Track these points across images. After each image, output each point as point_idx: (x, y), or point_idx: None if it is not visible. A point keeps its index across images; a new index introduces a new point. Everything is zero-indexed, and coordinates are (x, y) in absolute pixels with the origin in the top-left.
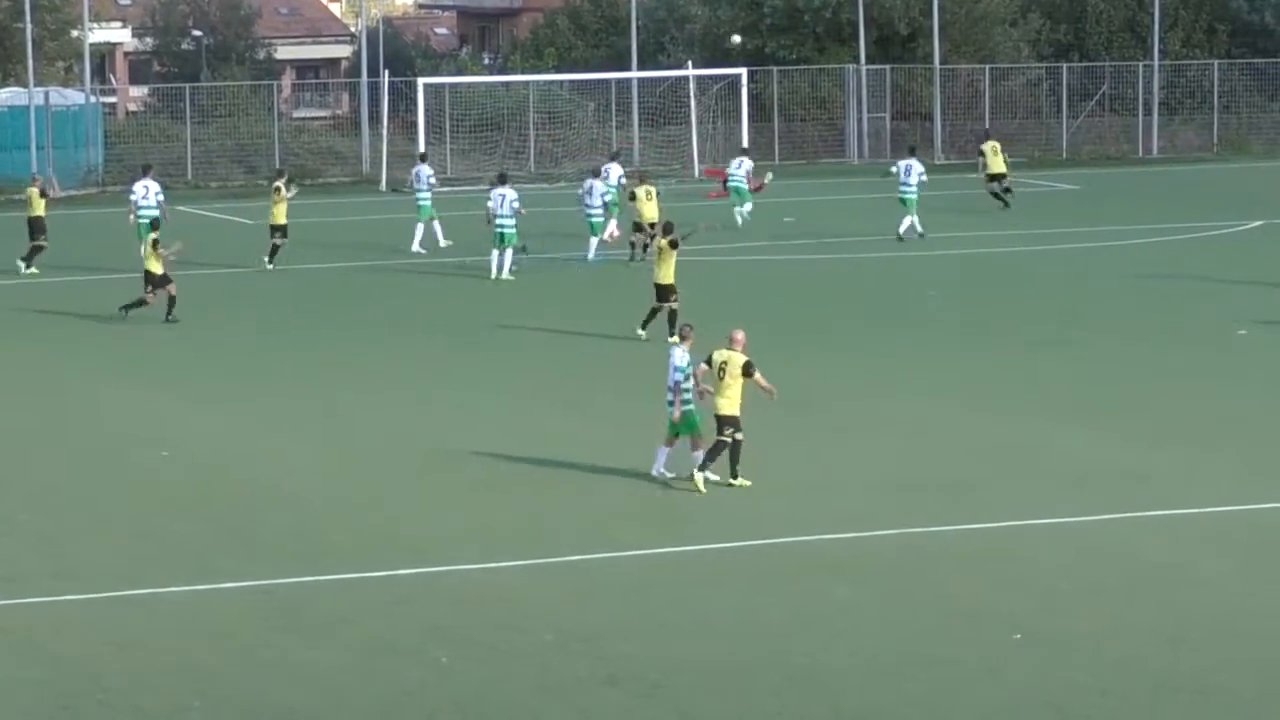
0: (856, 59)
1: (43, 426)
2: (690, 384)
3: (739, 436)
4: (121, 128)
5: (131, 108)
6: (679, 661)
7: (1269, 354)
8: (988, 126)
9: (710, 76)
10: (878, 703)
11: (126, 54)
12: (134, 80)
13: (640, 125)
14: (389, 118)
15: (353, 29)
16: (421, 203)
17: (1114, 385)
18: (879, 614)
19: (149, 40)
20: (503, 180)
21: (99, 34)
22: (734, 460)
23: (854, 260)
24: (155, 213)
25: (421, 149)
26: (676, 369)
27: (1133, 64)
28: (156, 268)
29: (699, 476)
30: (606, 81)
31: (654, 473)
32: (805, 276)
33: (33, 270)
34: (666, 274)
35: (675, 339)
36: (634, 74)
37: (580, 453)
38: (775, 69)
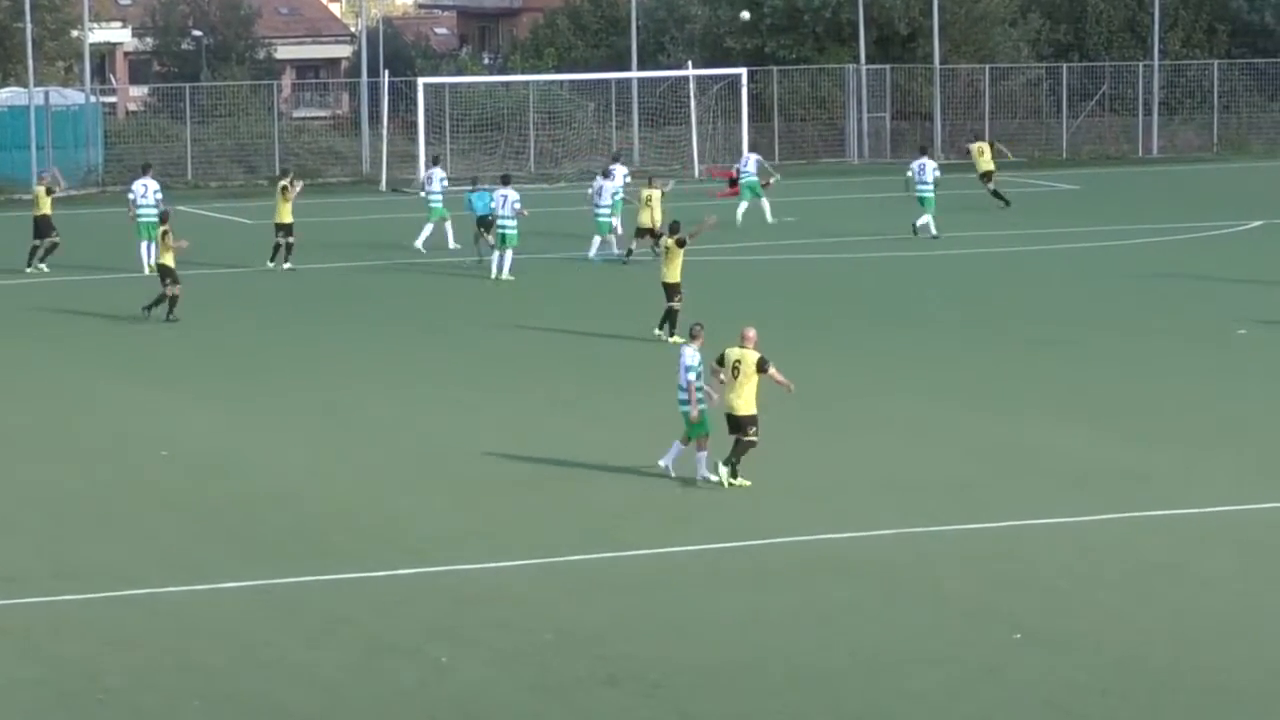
0: (856, 59)
1: (42, 426)
2: (701, 383)
3: (750, 437)
4: (121, 128)
5: (131, 107)
6: (679, 661)
7: (1269, 353)
8: (977, 127)
9: (710, 76)
10: (878, 702)
11: (126, 54)
12: (134, 80)
13: (640, 125)
14: (389, 118)
15: (353, 29)
16: (434, 204)
17: (1114, 385)
18: (879, 614)
19: (149, 40)
20: (505, 181)
21: (99, 34)
22: (737, 459)
23: (854, 260)
24: (154, 212)
25: (428, 150)
26: (689, 368)
27: (1133, 64)
28: (169, 260)
29: (724, 472)
30: (606, 81)
31: (661, 462)
32: (805, 276)
33: (40, 268)
34: (673, 273)
35: (676, 338)
36: (634, 74)
37: (580, 452)
38: (775, 69)
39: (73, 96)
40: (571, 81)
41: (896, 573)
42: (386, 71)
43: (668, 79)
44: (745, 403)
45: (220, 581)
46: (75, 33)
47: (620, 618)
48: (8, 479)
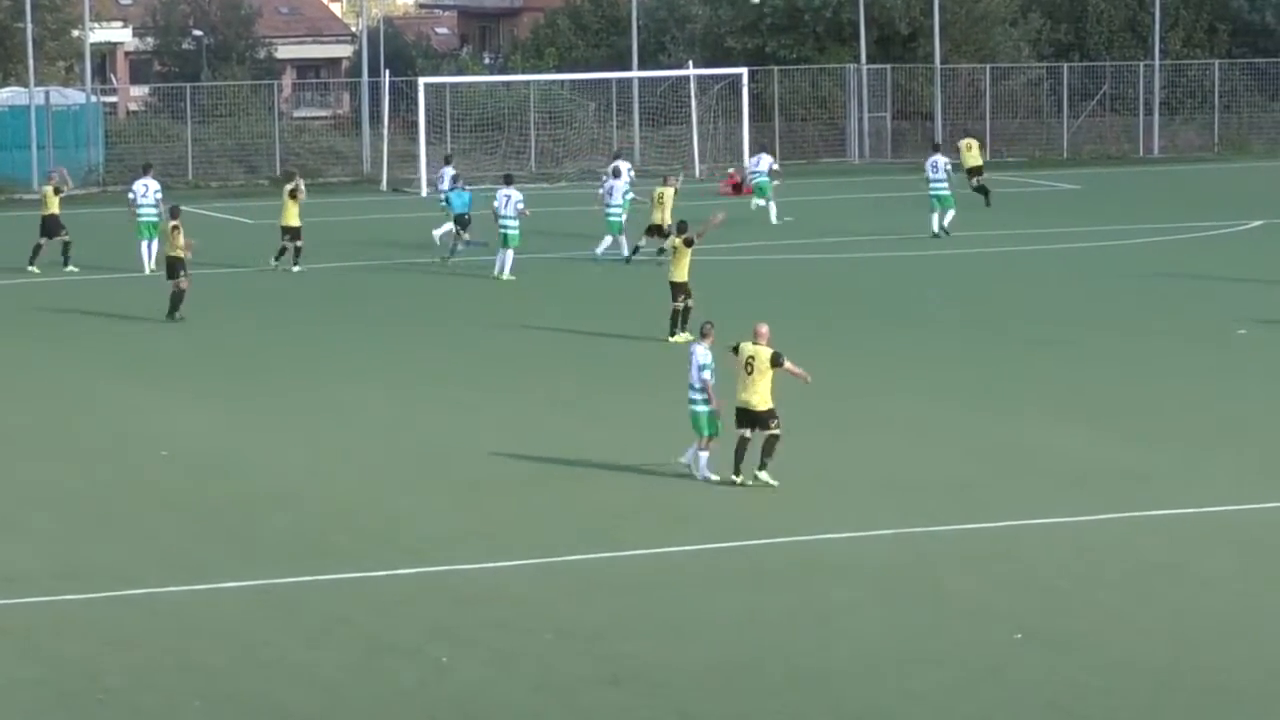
0: (857, 58)
1: (42, 426)
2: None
3: (756, 434)
4: (122, 127)
5: (132, 107)
6: (679, 661)
7: (1269, 353)
8: (977, 127)
9: (711, 76)
10: (879, 702)
11: (127, 54)
12: (135, 80)
13: (641, 125)
14: (390, 117)
15: (353, 29)
16: (444, 204)
17: (1114, 385)
18: (880, 614)
19: (150, 40)
20: (508, 181)
21: (100, 34)
22: (738, 458)
23: (854, 260)
24: (154, 212)
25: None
26: (702, 366)
27: (1133, 64)
28: (180, 253)
29: (764, 475)
30: (607, 81)
31: (681, 460)
32: (805, 276)
33: (73, 269)
34: (681, 272)
35: (681, 336)
36: (635, 74)
37: (581, 452)
38: (776, 69)
39: (73, 96)
40: (572, 81)
41: (897, 573)
42: (387, 71)
43: (668, 79)
44: (761, 398)
45: (220, 581)
46: (76, 32)
47: (620, 617)
48: (8, 479)
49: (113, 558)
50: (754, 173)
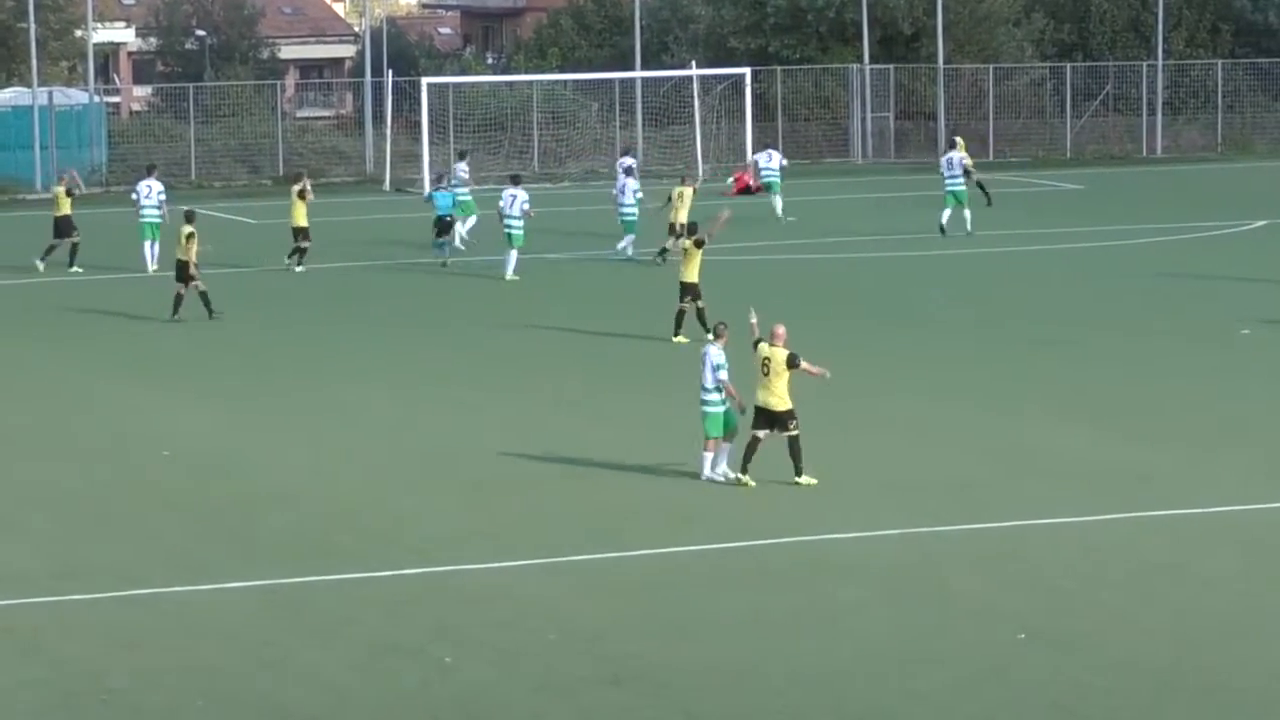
0: (860, 59)
1: (44, 426)
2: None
3: (770, 435)
4: (125, 127)
5: (135, 107)
6: (683, 661)
7: (1273, 353)
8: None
9: (714, 76)
10: (882, 703)
11: (130, 54)
12: (138, 80)
13: (644, 125)
14: (392, 118)
15: (356, 29)
16: (462, 198)
17: (1117, 385)
18: (883, 614)
19: (153, 40)
20: (515, 181)
21: (103, 34)
22: (747, 458)
23: (857, 260)
24: (157, 213)
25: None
26: (718, 366)
27: (1136, 64)
28: (193, 256)
29: (805, 479)
30: (610, 81)
31: (728, 477)
32: (808, 276)
33: (77, 270)
34: (691, 273)
35: (682, 337)
36: (638, 74)
37: (585, 452)
38: (779, 69)
39: (76, 96)
40: (575, 81)
41: (900, 573)
42: (390, 71)
43: (671, 79)
44: (779, 398)
45: (224, 581)
46: (79, 32)
47: (623, 618)
48: (10, 479)
49: (115, 558)
50: (765, 169)
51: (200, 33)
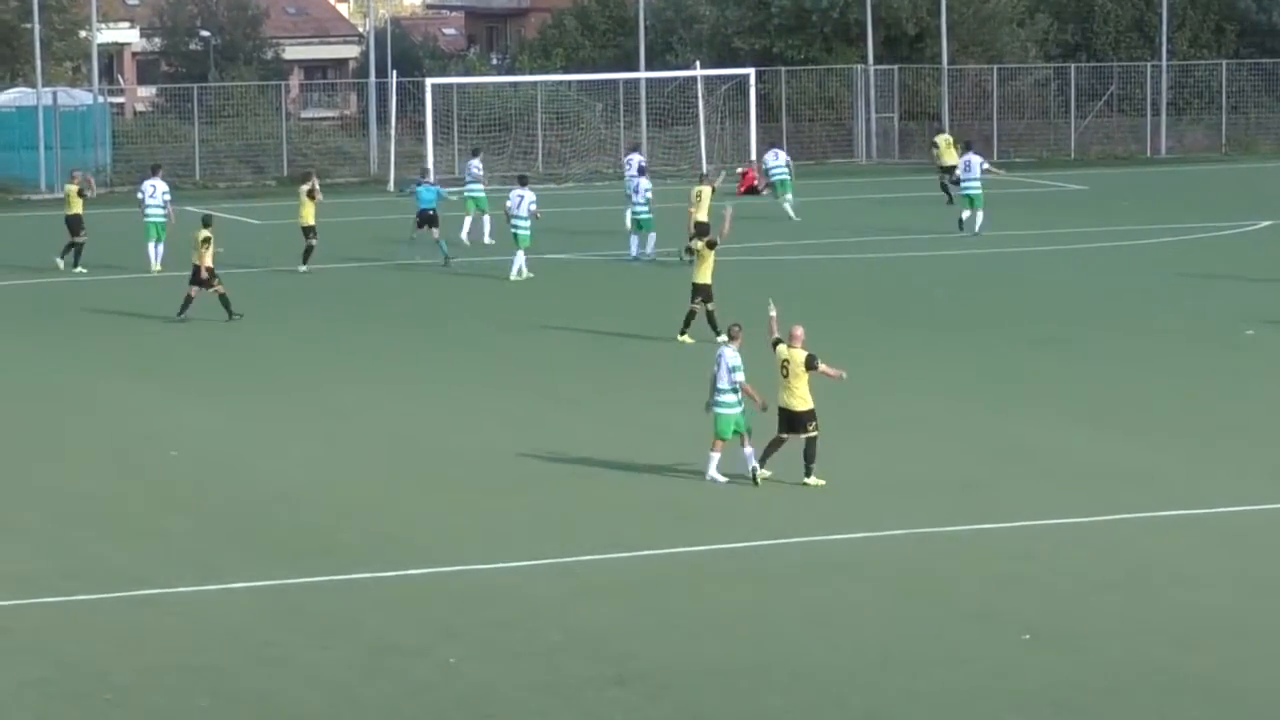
0: (864, 59)
1: (49, 426)
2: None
3: (791, 437)
4: (129, 128)
5: (139, 108)
6: (687, 661)
7: (1276, 354)
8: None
9: (718, 77)
10: (886, 703)
11: (134, 54)
12: (142, 80)
13: (648, 125)
14: (397, 118)
15: (361, 29)
16: (474, 195)
17: (1121, 385)
18: (887, 614)
19: (157, 40)
20: (522, 182)
21: (107, 34)
22: (767, 453)
23: (861, 260)
24: (162, 212)
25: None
26: (734, 368)
27: (1140, 64)
28: (208, 261)
29: (813, 480)
30: (614, 82)
31: (752, 467)
32: (812, 276)
33: (78, 271)
34: (704, 274)
35: (686, 338)
36: (642, 74)
37: (589, 452)
38: (783, 69)
39: (80, 97)
40: (579, 82)
41: (903, 573)
42: (394, 72)
43: (676, 79)
44: (800, 399)
45: (228, 582)
46: (83, 33)
47: (628, 618)
48: (15, 479)
49: (119, 558)
50: (774, 168)
51: (204, 33)
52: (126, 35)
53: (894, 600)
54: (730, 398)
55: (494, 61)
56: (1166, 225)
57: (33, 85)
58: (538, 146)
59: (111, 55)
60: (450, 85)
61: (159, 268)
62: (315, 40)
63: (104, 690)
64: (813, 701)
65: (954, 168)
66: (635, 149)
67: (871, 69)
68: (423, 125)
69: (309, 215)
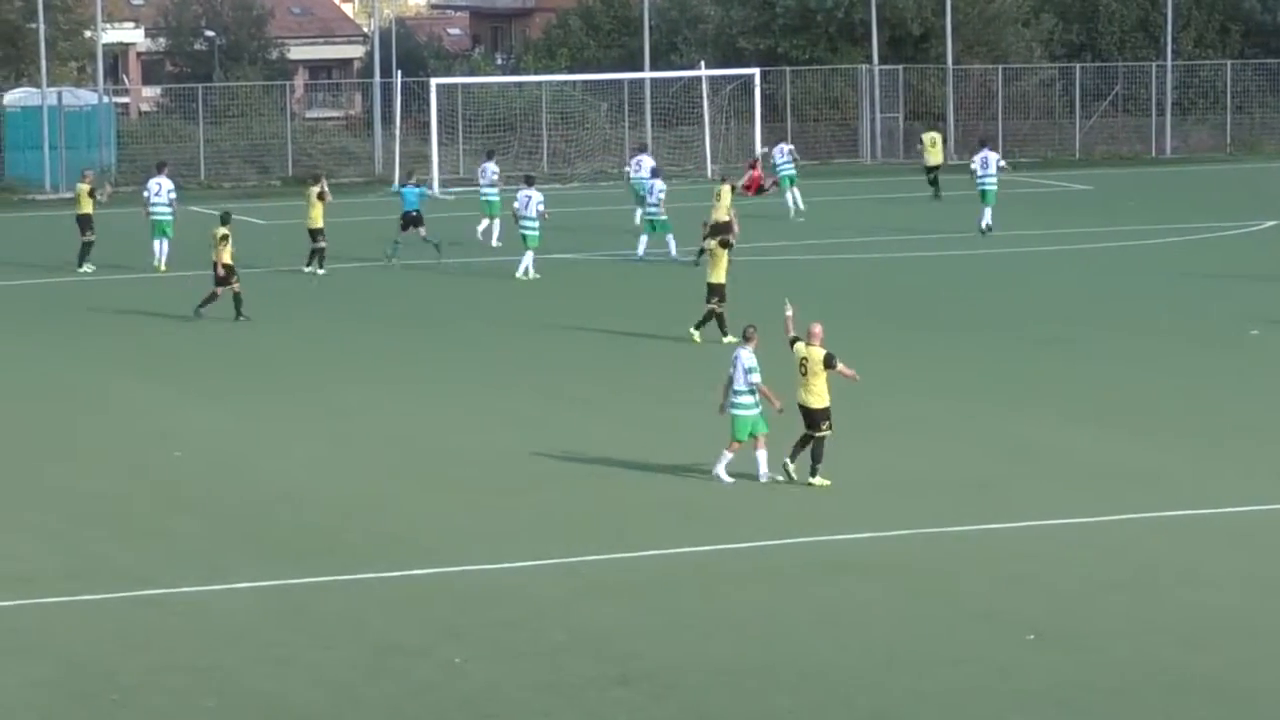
0: (869, 59)
1: (55, 425)
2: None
3: (824, 432)
4: (134, 128)
5: (144, 108)
6: (691, 661)
7: None
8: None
9: (723, 77)
10: (893, 702)
11: (139, 54)
12: (147, 80)
13: (653, 125)
14: (401, 118)
15: (365, 29)
16: (489, 198)
17: (1125, 385)
18: (893, 613)
19: (162, 40)
20: (529, 182)
21: (112, 34)
22: (796, 453)
23: (866, 260)
24: (168, 210)
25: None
26: (749, 369)
27: (1145, 64)
28: (225, 259)
29: (817, 480)
30: (619, 82)
31: (762, 474)
32: (817, 276)
33: (85, 269)
34: (718, 274)
35: (697, 336)
36: (647, 74)
37: (593, 452)
38: (788, 69)
39: (85, 97)
40: (584, 82)
41: (910, 572)
42: (399, 72)
43: (680, 79)
44: (817, 396)
45: (233, 581)
46: (88, 33)
47: (632, 618)
48: (21, 479)
49: (125, 558)
50: (781, 164)
51: (209, 33)
52: (131, 35)
53: (901, 600)
54: (747, 399)
55: (499, 61)
56: (1171, 225)
57: (38, 85)
58: (542, 147)
59: (116, 55)
60: (455, 85)
61: (164, 267)
62: (320, 40)
63: (110, 690)
64: (819, 701)
65: (938, 167)
66: (643, 149)
67: (876, 69)
68: (427, 125)
69: (318, 217)
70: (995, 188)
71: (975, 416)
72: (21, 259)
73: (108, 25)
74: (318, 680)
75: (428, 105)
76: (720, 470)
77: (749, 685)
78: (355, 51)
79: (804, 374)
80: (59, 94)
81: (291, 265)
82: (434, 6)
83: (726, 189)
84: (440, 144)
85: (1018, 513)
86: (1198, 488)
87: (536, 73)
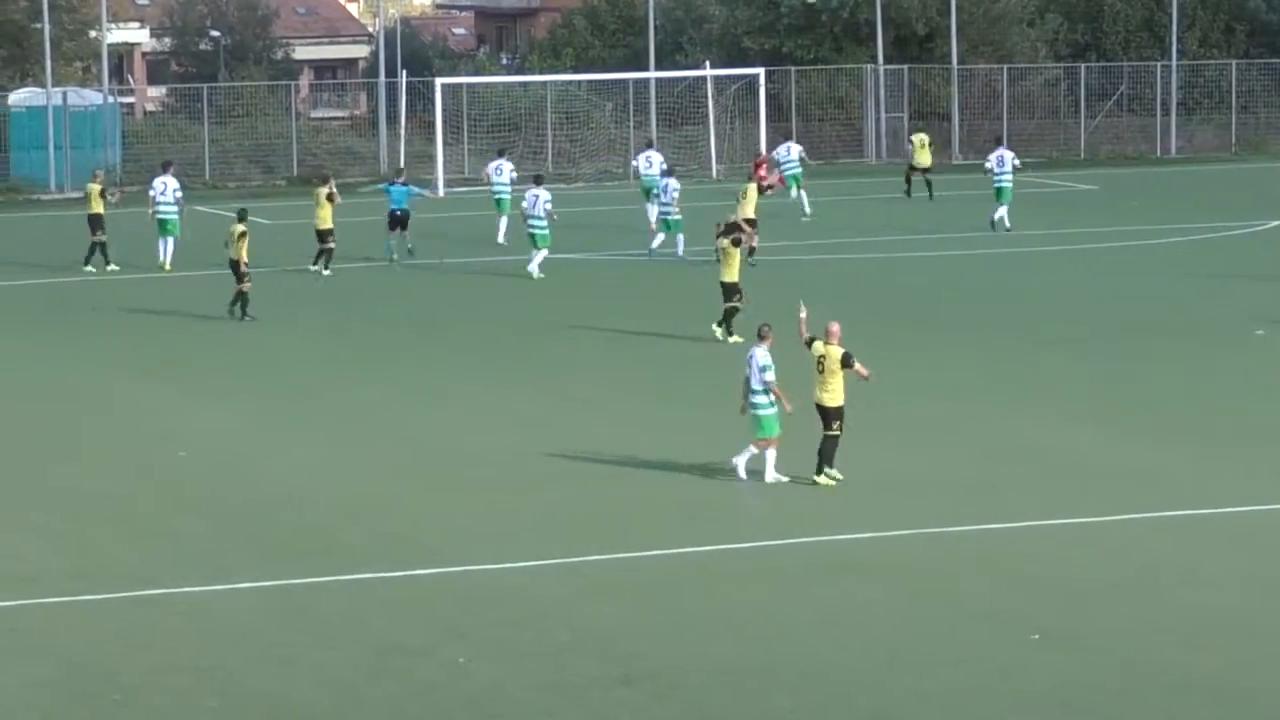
0: (874, 59)
1: (59, 425)
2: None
3: (834, 430)
4: (139, 128)
5: (149, 108)
6: (694, 661)
7: None
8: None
9: (728, 76)
10: (894, 702)
11: (144, 54)
12: (152, 80)
13: (658, 125)
14: (406, 118)
15: (370, 29)
16: (500, 195)
17: (1129, 385)
18: (896, 613)
19: (167, 40)
20: (538, 181)
21: (117, 34)
22: (827, 456)
23: (870, 260)
24: (174, 210)
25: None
26: (764, 368)
27: (1150, 64)
28: (242, 256)
29: (823, 477)
30: (624, 82)
31: (769, 479)
32: (821, 277)
33: (90, 270)
34: (731, 273)
35: (717, 330)
36: (651, 74)
37: (596, 452)
38: (793, 69)
39: (91, 97)
40: (589, 81)
41: (912, 573)
42: (404, 72)
43: (685, 79)
44: (833, 395)
45: (236, 582)
46: (93, 33)
47: (636, 617)
48: (25, 479)
49: (128, 558)
50: (787, 163)
51: (214, 33)
52: (136, 35)
53: (902, 600)
54: (762, 399)
55: (504, 61)
56: (1176, 225)
57: (43, 85)
58: (547, 146)
59: (121, 55)
60: (460, 85)
61: (169, 266)
62: (325, 40)
63: (112, 690)
64: (820, 701)
65: (928, 169)
66: (650, 146)
67: (881, 69)
68: (432, 125)
69: (327, 218)
70: (1011, 185)
71: (977, 416)
72: (26, 259)
73: (113, 25)
74: (321, 680)
75: (433, 105)
76: (739, 462)
77: (751, 685)
78: (360, 51)
79: (821, 372)
80: (64, 94)
81: (296, 265)
82: (439, 6)
83: (753, 188)
84: (445, 144)
85: (1019, 513)
86: (1200, 488)
87: (541, 72)
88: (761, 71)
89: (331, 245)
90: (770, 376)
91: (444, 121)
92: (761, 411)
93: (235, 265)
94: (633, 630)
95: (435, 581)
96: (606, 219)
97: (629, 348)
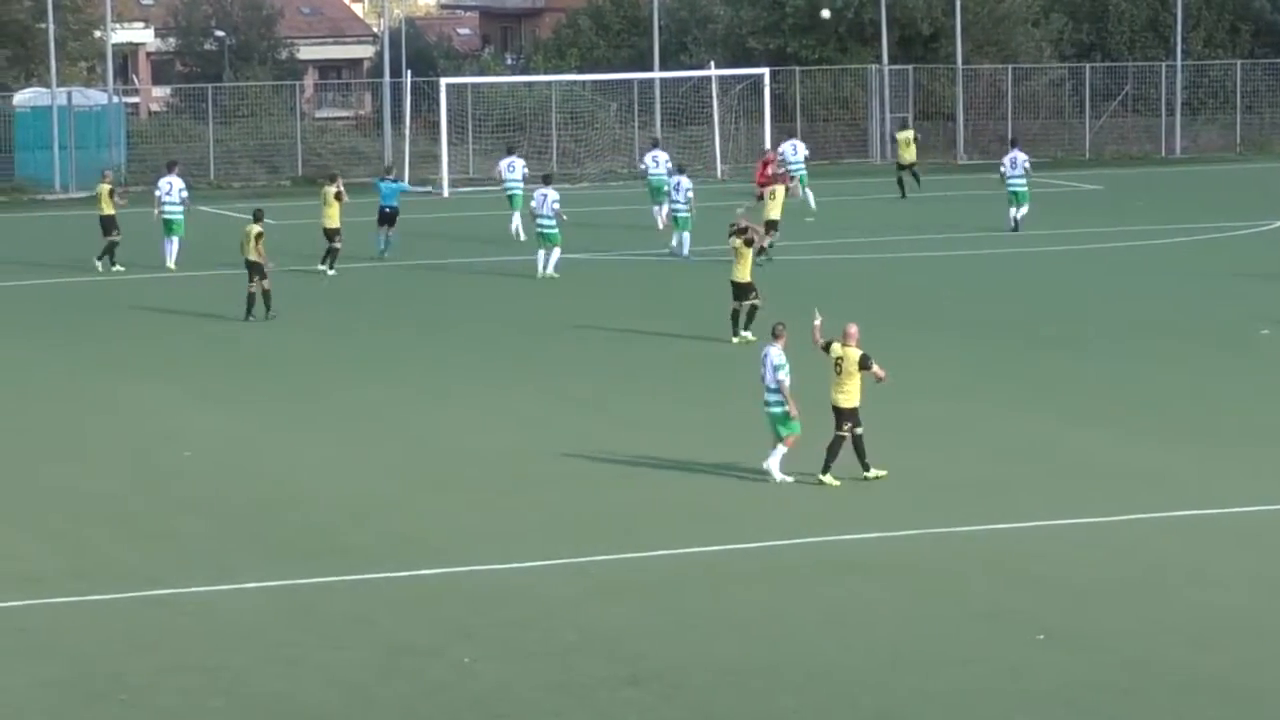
0: (879, 59)
1: (64, 426)
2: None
3: (859, 430)
4: (144, 128)
5: (154, 108)
6: (700, 661)
7: None
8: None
9: (732, 77)
10: (898, 703)
11: (149, 54)
12: (156, 80)
13: (663, 125)
14: (411, 118)
15: (375, 29)
16: (512, 192)
17: (1134, 385)
18: (901, 613)
19: (171, 40)
20: (546, 181)
21: (122, 34)
22: (860, 454)
23: (874, 261)
24: (179, 210)
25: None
26: (777, 367)
27: (1155, 64)
28: (256, 257)
29: (829, 476)
30: (629, 82)
31: (765, 465)
32: (825, 277)
33: (103, 267)
34: (744, 273)
35: (747, 335)
36: (656, 74)
37: (603, 452)
38: (798, 69)
39: (95, 97)
40: (594, 82)
41: (917, 573)
42: (409, 72)
43: (690, 79)
44: (848, 396)
45: (242, 582)
46: (98, 33)
47: (642, 618)
48: (30, 479)
49: (135, 558)
50: (793, 162)
51: (219, 33)
52: (141, 35)
53: (908, 600)
54: (774, 397)
55: (508, 61)
56: (1181, 225)
57: (47, 85)
58: (552, 146)
59: (126, 55)
60: (465, 85)
61: (174, 266)
62: (330, 40)
63: (119, 690)
64: (825, 702)
65: (912, 165)
66: (655, 145)
67: (886, 69)
68: (437, 125)
69: (334, 217)
70: (1024, 188)
71: (982, 416)
72: (31, 259)
73: (117, 25)
74: (329, 680)
75: (437, 105)
76: (772, 465)
77: (756, 685)
78: (365, 51)
79: (838, 373)
80: (69, 94)
81: (302, 265)
82: (444, 6)
83: (780, 189)
84: (450, 144)
85: (1025, 513)
86: (1206, 488)
87: (546, 73)
88: (766, 72)
89: (338, 245)
90: (784, 376)
91: (449, 122)
92: (775, 410)
93: (252, 266)
94: (639, 630)
95: (441, 581)
96: (612, 219)
97: (635, 348)
